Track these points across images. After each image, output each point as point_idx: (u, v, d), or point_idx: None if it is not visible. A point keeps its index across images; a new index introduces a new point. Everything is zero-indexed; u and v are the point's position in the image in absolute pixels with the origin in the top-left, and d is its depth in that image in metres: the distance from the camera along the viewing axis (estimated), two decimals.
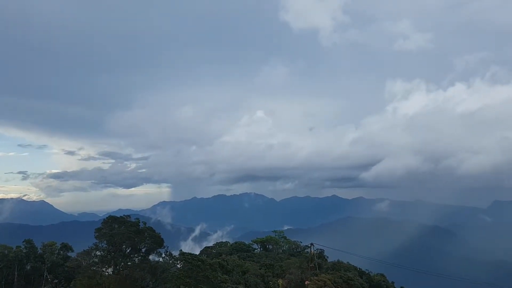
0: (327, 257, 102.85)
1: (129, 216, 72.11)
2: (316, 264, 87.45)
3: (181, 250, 70.37)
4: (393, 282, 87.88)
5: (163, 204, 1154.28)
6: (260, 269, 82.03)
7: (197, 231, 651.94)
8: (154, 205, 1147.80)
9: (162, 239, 68.96)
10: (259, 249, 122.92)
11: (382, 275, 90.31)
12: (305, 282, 76.13)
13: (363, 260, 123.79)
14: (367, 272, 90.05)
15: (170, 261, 69.12)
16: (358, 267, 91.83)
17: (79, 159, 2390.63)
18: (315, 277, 74.08)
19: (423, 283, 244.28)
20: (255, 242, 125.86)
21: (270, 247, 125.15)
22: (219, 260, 75.18)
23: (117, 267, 65.41)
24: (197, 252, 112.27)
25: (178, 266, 67.05)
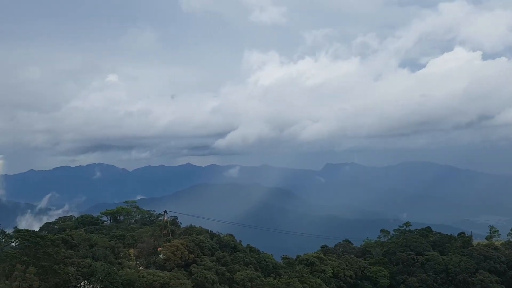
0: (181, 223, 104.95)
1: None
2: (169, 230, 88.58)
3: (16, 227, 63.27)
4: (240, 241, 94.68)
5: None
6: (109, 241, 79.39)
7: (38, 207, 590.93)
8: None
9: None
10: (109, 222, 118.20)
11: (231, 235, 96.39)
12: (158, 249, 76.68)
13: (214, 223, 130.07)
14: (217, 234, 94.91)
15: (3, 240, 61.84)
16: (210, 230, 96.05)
17: None
18: (168, 243, 75.22)
19: (268, 240, 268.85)
20: (105, 214, 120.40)
21: (122, 218, 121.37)
22: (62, 235, 70.06)
23: None
24: (37, 229, 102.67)
25: (13, 244, 60.41)
